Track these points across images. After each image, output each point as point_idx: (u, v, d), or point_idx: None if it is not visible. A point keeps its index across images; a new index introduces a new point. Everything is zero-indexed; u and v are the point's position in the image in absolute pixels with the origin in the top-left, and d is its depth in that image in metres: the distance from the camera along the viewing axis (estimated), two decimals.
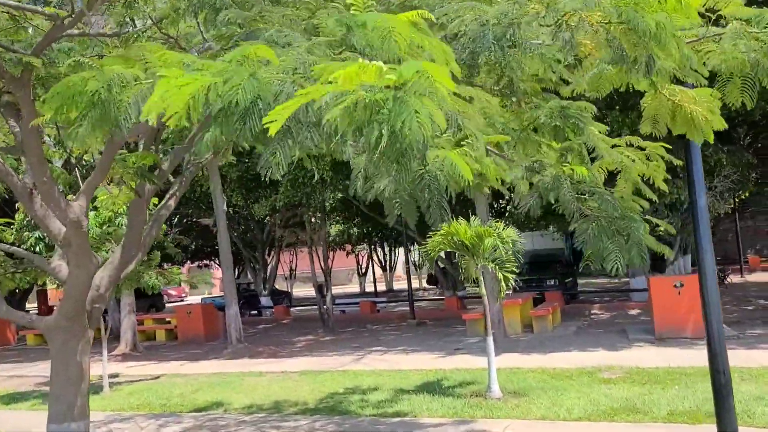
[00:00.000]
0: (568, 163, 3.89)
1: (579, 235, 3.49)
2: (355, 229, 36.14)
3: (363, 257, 40.10)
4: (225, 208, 17.97)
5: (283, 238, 21.71)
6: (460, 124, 3.25)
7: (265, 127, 2.47)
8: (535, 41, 3.29)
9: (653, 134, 4.09)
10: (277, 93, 2.68)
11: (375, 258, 38.48)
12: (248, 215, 26.75)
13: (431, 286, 37.76)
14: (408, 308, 25.43)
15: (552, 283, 22.74)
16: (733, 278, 26.06)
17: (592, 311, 19.60)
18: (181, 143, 6.86)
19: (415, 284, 44.45)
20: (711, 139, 3.88)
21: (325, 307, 20.92)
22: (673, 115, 3.81)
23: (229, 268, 18.19)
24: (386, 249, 39.11)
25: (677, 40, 3.13)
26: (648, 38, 2.93)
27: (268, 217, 25.84)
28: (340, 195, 19.23)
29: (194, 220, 22.50)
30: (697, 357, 11.40)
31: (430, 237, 10.64)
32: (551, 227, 41.95)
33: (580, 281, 27.44)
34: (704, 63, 3.59)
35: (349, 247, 38.52)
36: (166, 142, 9.71)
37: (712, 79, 3.83)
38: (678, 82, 3.89)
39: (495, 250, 9.96)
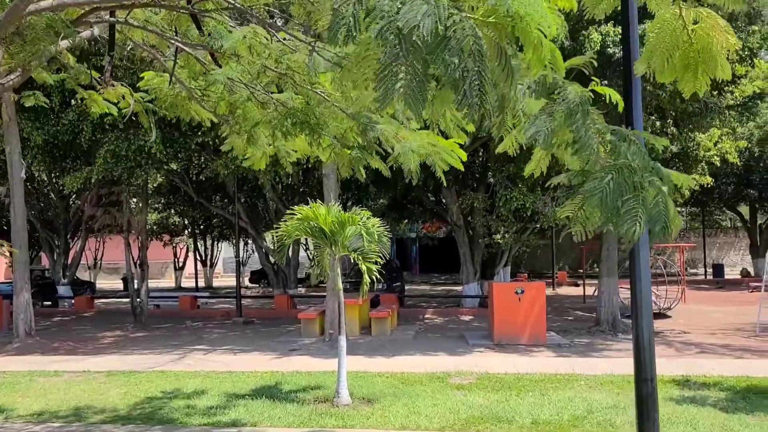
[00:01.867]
0: None
1: (593, 189, 2.61)
2: (176, 217, 33.32)
3: (181, 250, 37.09)
4: (23, 175, 15.04)
5: (95, 219, 18.85)
6: None
7: None
8: None
9: None
10: None
11: (195, 252, 35.72)
12: (50, 190, 23.18)
13: (253, 285, 35.93)
14: (233, 306, 23.76)
15: (381, 287, 22.39)
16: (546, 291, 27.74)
17: (426, 316, 19.45)
18: None
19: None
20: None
21: (138, 300, 18.49)
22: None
23: (24, 248, 15.26)
24: (208, 243, 36.51)
25: None
26: None
27: (75, 195, 22.55)
28: (166, 171, 17.07)
29: None
30: (540, 364, 11.38)
31: (283, 222, 9.40)
32: None
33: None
34: None
35: (166, 237, 35.39)
36: None
37: None
38: None
39: (357, 240, 8.99)
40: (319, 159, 13.50)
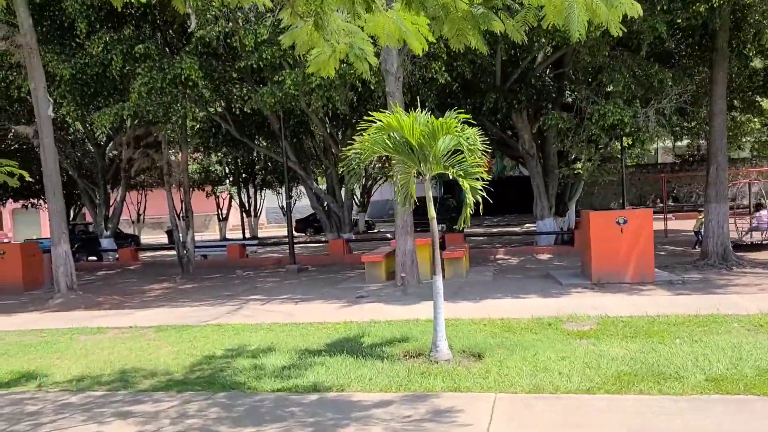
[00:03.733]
0: None
1: None
2: (217, 165, 31.91)
3: (224, 200, 35.81)
4: (51, 113, 13.45)
5: (132, 162, 17.35)
6: None
7: None
8: None
9: None
10: None
11: (238, 201, 34.37)
12: (85, 136, 21.77)
13: (299, 234, 34.56)
14: (283, 254, 22.30)
15: (440, 228, 20.57)
16: None
17: (497, 256, 17.61)
18: None
19: (282, 231, 41.02)
20: None
21: (185, 250, 17.08)
22: None
23: (57, 195, 13.81)
24: (251, 192, 35.07)
25: None
26: None
27: (109, 138, 21.06)
28: (209, 109, 15.28)
29: (7, 127, 17.28)
30: (662, 304, 9.46)
31: (355, 140, 7.55)
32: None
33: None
34: None
35: (208, 187, 34.09)
36: None
37: None
38: None
39: (451, 155, 7.10)
40: (377, 81, 11.44)
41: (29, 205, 31.35)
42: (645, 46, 12.39)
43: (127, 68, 14.69)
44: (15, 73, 14.99)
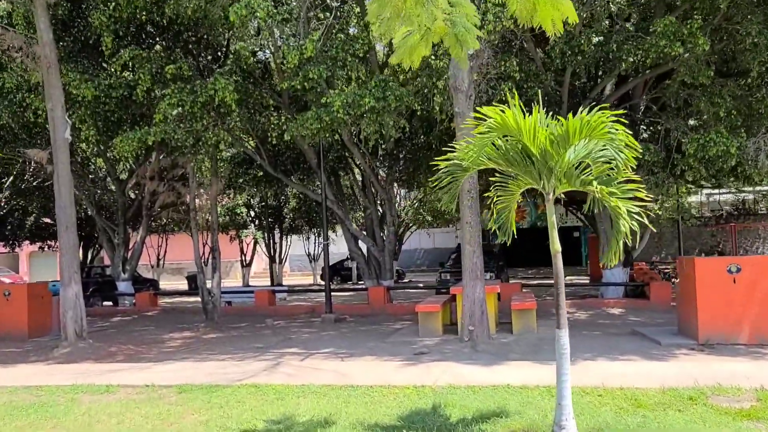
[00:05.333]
0: None
1: None
2: (243, 208, 30.37)
3: (248, 245, 34.15)
4: (68, 136, 11.96)
5: (156, 198, 15.80)
6: None
7: None
8: None
9: None
10: None
11: (264, 246, 32.68)
12: (107, 172, 20.34)
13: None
14: (312, 302, 20.41)
15: (488, 276, 18.62)
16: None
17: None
18: None
19: (306, 280, 39.14)
20: None
21: (211, 294, 15.28)
22: None
23: (71, 229, 12.20)
24: (276, 237, 33.39)
25: None
26: None
27: (131, 173, 19.57)
28: (243, 140, 13.69)
29: (18, 152, 15.85)
30: None
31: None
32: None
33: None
34: None
35: (232, 232, 32.48)
36: None
37: None
38: None
39: (584, 168, 5.32)
40: (441, 102, 9.75)
41: (45, 247, 29.90)
42: (756, 66, 10.64)
43: (155, 91, 13.27)
44: (33, 95, 13.62)
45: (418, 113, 12.02)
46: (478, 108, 5.36)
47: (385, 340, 11.84)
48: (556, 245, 5.47)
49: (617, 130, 4.99)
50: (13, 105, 14.06)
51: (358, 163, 18.79)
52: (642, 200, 4.99)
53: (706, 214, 43.53)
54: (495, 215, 6.07)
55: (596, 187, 5.03)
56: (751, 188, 28.10)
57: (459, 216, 32.49)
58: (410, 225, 30.86)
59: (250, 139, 16.03)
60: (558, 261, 5.47)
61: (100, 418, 6.70)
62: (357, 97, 10.66)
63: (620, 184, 5.09)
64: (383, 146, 17.46)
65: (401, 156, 15.13)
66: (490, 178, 6.08)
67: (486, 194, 6.55)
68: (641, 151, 5.28)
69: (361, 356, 10.16)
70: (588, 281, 27.24)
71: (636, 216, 4.99)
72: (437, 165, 5.83)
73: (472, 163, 5.39)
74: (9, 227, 26.64)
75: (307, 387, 7.65)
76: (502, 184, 5.85)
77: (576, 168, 5.35)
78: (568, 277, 30.95)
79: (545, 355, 9.37)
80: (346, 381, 7.89)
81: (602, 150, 5.25)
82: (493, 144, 5.46)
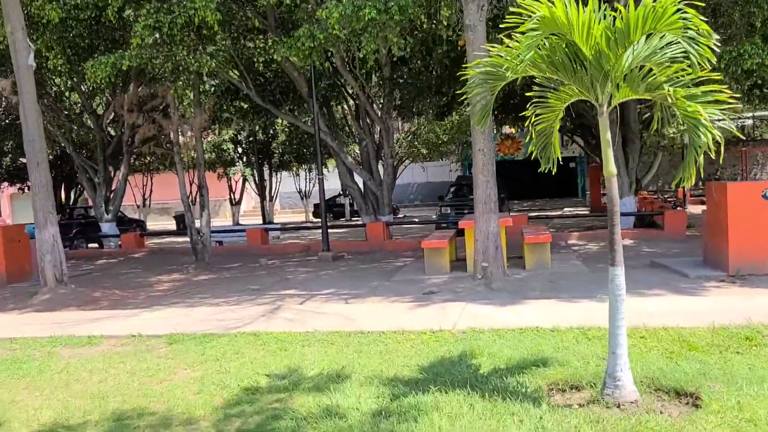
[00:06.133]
0: None
1: None
2: (229, 144, 29.15)
3: (237, 183, 33.08)
4: (32, 63, 10.73)
5: (136, 130, 14.62)
6: None
7: None
8: None
9: None
10: None
11: (253, 183, 31.64)
12: (81, 106, 19.02)
13: (317, 219, 31.85)
14: (308, 240, 19.64)
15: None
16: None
17: (570, 241, 14.84)
18: None
19: (297, 217, 38.30)
20: None
21: (200, 234, 14.40)
22: None
23: (43, 166, 11.13)
24: (265, 174, 32.27)
25: None
26: None
27: (109, 105, 18.27)
28: (224, 57, 12.43)
29: None
30: None
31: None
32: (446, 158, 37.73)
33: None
34: None
35: (220, 169, 31.34)
36: None
37: None
38: None
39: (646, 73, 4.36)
40: (450, 14, 8.72)
41: (26, 188, 28.70)
42: None
43: (127, 11, 11.94)
44: None
45: (424, 27, 10.85)
46: (519, 1, 4.35)
47: (389, 278, 11.09)
48: (610, 167, 4.57)
49: (690, 15, 4.01)
50: None
51: (351, 92, 17.63)
52: (726, 103, 4.06)
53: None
54: (534, 138, 5.14)
55: (669, 92, 4.09)
56: (750, 114, 27.14)
57: (449, 149, 31.13)
58: (403, 159, 29.92)
59: (235, 66, 14.76)
60: (613, 186, 4.59)
61: (80, 376, 5.90)
62: (355, 8, 9.47)
63: (696, 85, 4.15)
64: (378, 73, 16.27)
65: (401, 81, 13.99)
66: (527, 93, 5.11)
67: (521, 113, 5.57)
68: (719, 44, 4.29)
69: (365, 297, 9.41)
70: (588, 212, 26.63)
71: (720, 124, 4.07)
72: (464, 74, 4.86)
73: (514, 70, 4.40)
74: None
75: (311, 334, 6.87)
76: (542, 99, 4.89)
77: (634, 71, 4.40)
78: (567, 209, 30.31)
79: (566, 292, 8.65)
80: (354, 326, 7.12)
81: (669, 46, 4.29)
82: (551, 38, 4.48)
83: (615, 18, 4.20)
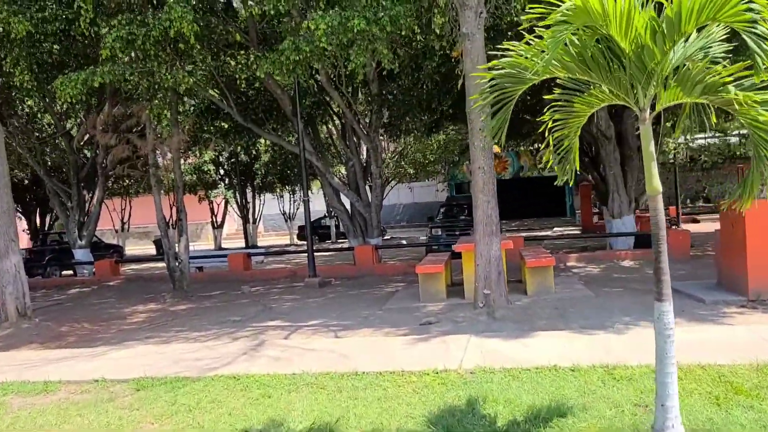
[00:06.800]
0: None
1: None
2: (210, 166, 28.32)
3: (219, 205, 32.16)
4: None
5: (109, 151, 13.78)
6: None
7: None
8: None
9: None
10: None
11: (235, 206, 30.73)
12: (54, 128, 18.14)
13: (303, 242, 30.98)
14: (292, 265, 18.80)
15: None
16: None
17: (568, 263, 14.16)
18: None
19: (281, 240, 37.34)
20: None
21: (178, 261, 13.53)
22: None
23: (4, 190, 10.25)
24: (248, 196, 31.38)
25: None
26: None
27: (80, 124, 17.39)
28: (200, 73, 11.70)
29: None
30: None
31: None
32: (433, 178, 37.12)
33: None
34: None
35: (201, 192, 30.41)
36: None
37: None
38: None
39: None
40: (443, 23, 8.19)
41: None
42: None
43: (101, 24, 11.20)
44: None
45: (417, 38, 10.18)
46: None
47: (381, 306, 10.31)
48: (654, 183, 3.86)
49: (758, 6, 3.35)
50: None
51: (337, 109, 16.96)
52: None
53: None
54: (551, 146, 4.44)
55: (736, 96, 3.40)
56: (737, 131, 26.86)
57: (436, 168, 30.32)
58: (390, 179, 29.29)
59: (215, 84, 14.03)
60: (658, 205, 3.87)
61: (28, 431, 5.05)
62: (343, 19, 8.81)
63: (762, 89, 3.48)
64: (365, 89, 15.62)
65: (389, 98, 13.33)
66: (545, 96, 4.44)
67: (537, 118, 4.88)
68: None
69: (357, 329, 8.63)
70: (580, 232, 26.05)
71: None
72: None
73: (538, 70, 3.70)
74: None
75: (299, 377, 6.06)
76: (566, 102, 4.20)
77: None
78: (556, 228, 29.74)
79: (576, 321, 7.95)
80: (347, 365, 6.32)
81: (723, 42, 3.64)
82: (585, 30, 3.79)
83: (661, 5, 3.53)
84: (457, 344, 6.93)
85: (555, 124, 4.34)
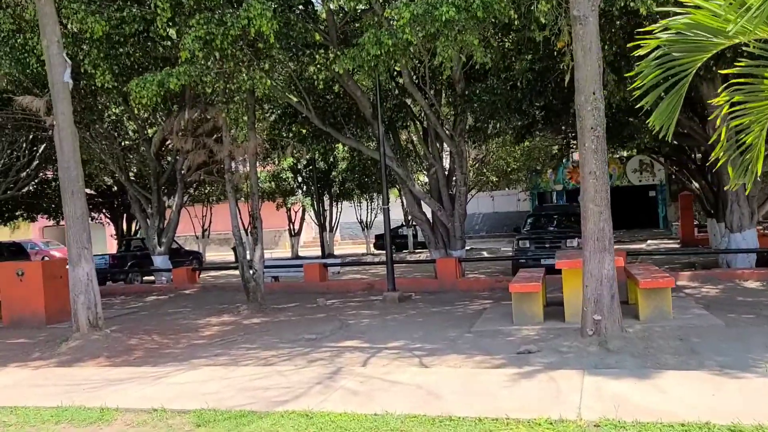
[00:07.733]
0: None
1: None
2: (288, 173, 28.09)
3: (296, 213, 31.96)
4: (69, 80, 9.61)
5: (186, 154, 13.44)
6: None
7: None
8: None
9: None
10: None
11: (313, 213, 30.39)
12: (137, 132, 18.16)
13: (381, 251, 30.25)
14: (372, 275, 18.04)
15: (576, 244, 15.76)
16: None
17: (679, 282, 12.60)
18: None
19: (357, 249, 36.76)
20: None
21: (252, 271, 12.96)
22: None
23: (78, 195, 9.91)
24: (325, 204, 30.97)
25: None
26: None
27: (156, 122, 17.26)
28: (277, 74, 11.04)
29: (9, 97, 13.71)
30: None
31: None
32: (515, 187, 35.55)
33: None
34: None
35: (279, 200, 30.26)
36: None
37: None
38: None
39: None
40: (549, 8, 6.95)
41: (90, 217, 28.10)
42: None
43: (177, 24, 10.78)
44: (36, 37, 11.33)
45: (515, 25, 9.11)
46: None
47: (470, 328, 9.25)
48: None
49: None
50: (14, 51, 11.88)
51: (418, 113, 16.05)
52: None
53: None
54: (723, 140, 3.31)
55: None
56: None
57: (519, 176, 29.02)
58: (471, 187, 28.09)
59: (294, 86, 13.43)
60: None
61: None
62: (430, 7, 7.88)
63: None
64: (449, 91, 14.62)
65: (475, 98, 12.26)
66: (720, 71, 3.31)
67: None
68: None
69: (443, 354, 7.64)
70: (678, 245, 23.98)
71: None
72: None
73: (735, 29, 2.60)
74: (46, 198, 24.86)
75: (381, 418, 5.11)
76: (754, 80, 3.06)
77: None
78: (650, 241, 27.64)
79: (710, 358, 6.62)
80: (439, 407, 5.31)
81: None
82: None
83: None
84: (570, 384, 5.79)
85: (733, 109, 3.21)
